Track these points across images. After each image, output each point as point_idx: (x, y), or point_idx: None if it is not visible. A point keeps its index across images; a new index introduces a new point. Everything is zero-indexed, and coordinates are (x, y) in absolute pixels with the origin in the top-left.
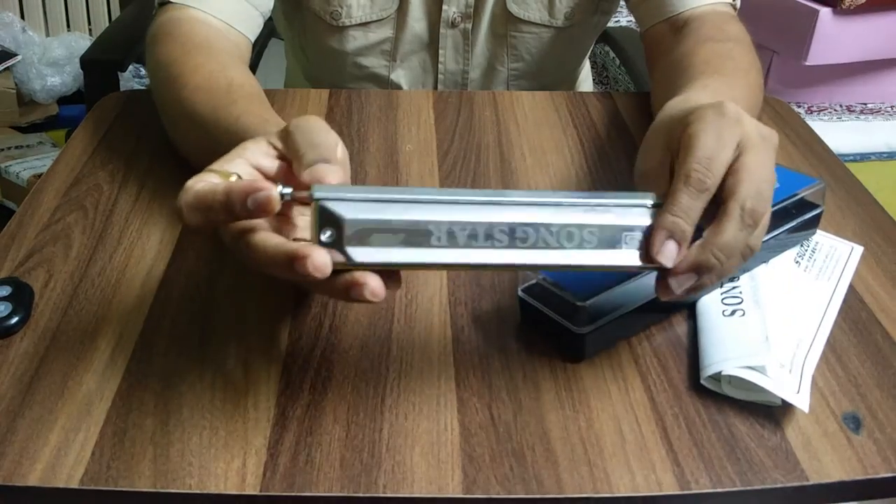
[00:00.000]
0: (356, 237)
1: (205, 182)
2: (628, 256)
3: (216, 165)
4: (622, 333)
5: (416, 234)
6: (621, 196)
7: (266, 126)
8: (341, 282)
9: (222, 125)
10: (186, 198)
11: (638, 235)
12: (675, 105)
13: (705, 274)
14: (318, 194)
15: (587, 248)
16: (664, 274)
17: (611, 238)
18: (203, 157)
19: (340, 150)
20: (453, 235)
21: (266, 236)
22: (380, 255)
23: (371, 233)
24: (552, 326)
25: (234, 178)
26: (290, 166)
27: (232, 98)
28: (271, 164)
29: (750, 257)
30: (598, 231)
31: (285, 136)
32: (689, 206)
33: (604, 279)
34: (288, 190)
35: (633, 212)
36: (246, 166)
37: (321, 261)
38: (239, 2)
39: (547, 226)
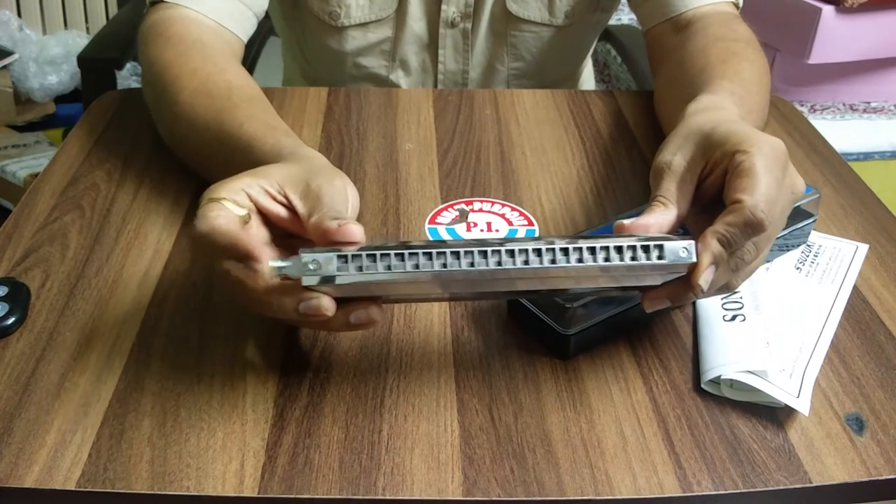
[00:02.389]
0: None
1: (223, 218)
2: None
3: (227, 193)
4: (608, 335)
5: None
6: (641, 260)
7: (276, 133)
8: (297, 297)
9: (226, 130)
10: (203, 227)
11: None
12: (709, 107)
13: (679, 302)
14: (307, 282)
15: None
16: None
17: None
18: (204, 162)
19: (352, 210)
20: (456, 296)
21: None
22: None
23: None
24: (538, 325)
25: (244, 214)
26: (295, 216)
27: (234, 102)
28: (276, 210)
29: (726, 291)
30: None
31: (305, 188)
32: (737, 239)
33: None
34: (281, 264)
35: (659, 277)
36: (249, 202)
37: (330, 301)
38: (232, 2)
39: (553, 291)
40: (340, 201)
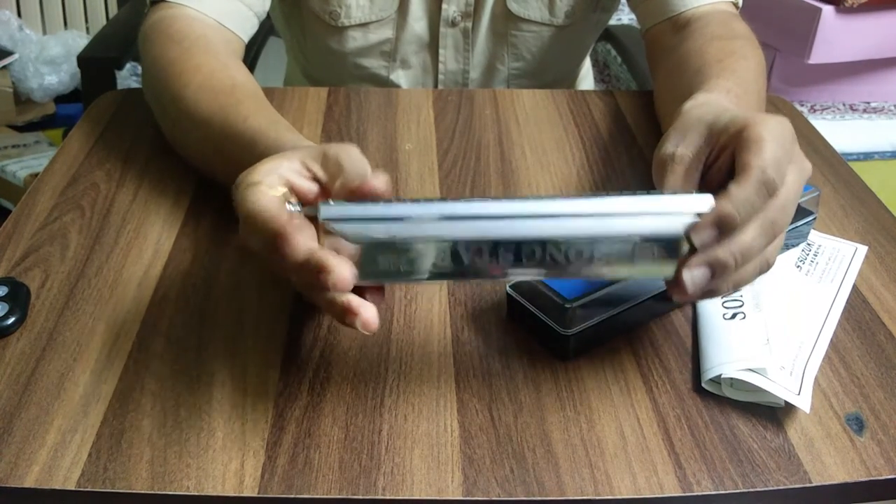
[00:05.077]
0: (361, 259)
1: (266, 199)
2: (642, 267)
3: (262, 176)
4: (608, 334)
5: (421, 256)
6: (645, 203)
7: (278, 128)
8: (340, 302)
9: (231, 125)
10: (247, 208)
11: (654, 247)
12: (706, 103)
13: (719, 275)
14: (324, 215)
15: (596, 263)
16: (677, 272)
17: (623, 249)
18: (207, 158)
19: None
20: (457, 255)
21: (299, 244)
22: (384, 277)
23: (376, 255)
24: (538, 325)
25: (282, 194)
26: (323, 189)
27: (237, 98)
28: (306, 185)
29: (765, 272)
30: (611, 244)
31: (323, 158)
32: (752, 201)
33: (593, 281)
34: (295, 209)
35: (656, 220)
36: (283, 183)
37: (343, 278)
38: (233, 2)
39: (555, 242)
40: (360, 164)
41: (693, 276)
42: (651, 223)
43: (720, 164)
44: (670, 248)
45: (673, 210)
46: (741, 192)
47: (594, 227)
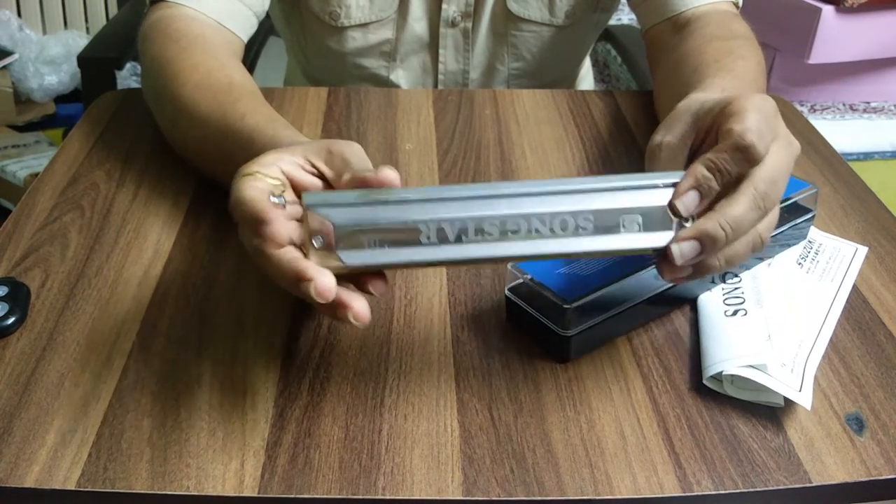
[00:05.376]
0: (347, 241)
1: (251, 189)
2: (628, 240)
3: (260, 167)
4: (608, 335)
5: (406, 234)
6: (626, 178)
7: (275, 125)
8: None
9: (228, 123)
10: (231, 198)
11: (638, 218)
12: (703, 96)
13: (709, 248)
14: (308, 201)
15: (582, 236)
16: (666, 248)
17: (608, 222)
18: (205, 157)
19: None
20: (443, 232)
21: (281, 252)
22: (371, 257)
23: (361, 236)
24: (537, 327)
25: (278, 184)
26: (327, 183)
27: (234, 96)
28: (308, 179)
29: (759, 250)
30: (594, 216)
31: (327, 154)
32: (727, 166)
33: (591, 280)
34: (279, 200)
35: (637, 194)
36: (282, 176)
37: (324, 286)
38: (232, 2)
39: (539, 215)
40: (364, 160)
41: (681, 247)
42: (632, 197)
43: (707, 147)
44: (656, 222)
45: (646, 182)
46: (715, 154)
47: (575, 201)
